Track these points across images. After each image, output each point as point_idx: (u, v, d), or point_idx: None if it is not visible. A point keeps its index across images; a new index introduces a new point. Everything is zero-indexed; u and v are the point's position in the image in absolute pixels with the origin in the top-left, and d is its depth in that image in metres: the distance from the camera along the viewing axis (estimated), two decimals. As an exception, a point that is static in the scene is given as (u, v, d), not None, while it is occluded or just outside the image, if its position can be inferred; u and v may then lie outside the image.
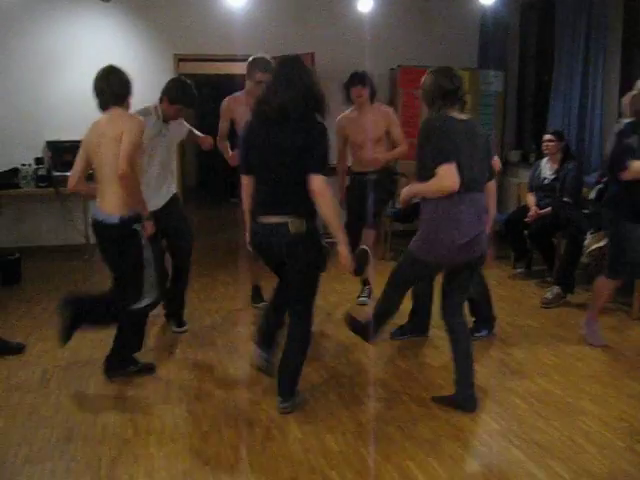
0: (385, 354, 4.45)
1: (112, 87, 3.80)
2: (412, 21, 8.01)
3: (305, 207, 3.34)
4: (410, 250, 3.66)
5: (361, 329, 4.07)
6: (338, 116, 5.41)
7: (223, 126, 5.12)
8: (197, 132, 4.90)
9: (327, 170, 3.35)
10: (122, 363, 4.06)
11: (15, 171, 6.96)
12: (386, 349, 4.52)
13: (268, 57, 4.87)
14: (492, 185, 3.78)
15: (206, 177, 12.71)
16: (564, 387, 3.94)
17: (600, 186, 5.93)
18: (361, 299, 5.53)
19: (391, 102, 7.49)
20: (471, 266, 3.65)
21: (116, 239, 3.82)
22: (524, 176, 7.03)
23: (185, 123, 4.82)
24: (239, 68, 7.08)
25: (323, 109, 3.38)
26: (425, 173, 3.44)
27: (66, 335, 3.92)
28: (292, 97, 3.27)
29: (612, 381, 4.04)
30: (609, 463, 3.11)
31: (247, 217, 3.57)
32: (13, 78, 7.10)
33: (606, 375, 4.13)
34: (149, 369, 4.14)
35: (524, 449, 3.24)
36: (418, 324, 4.72)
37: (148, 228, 3.84)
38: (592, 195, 5.98)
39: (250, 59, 4.92)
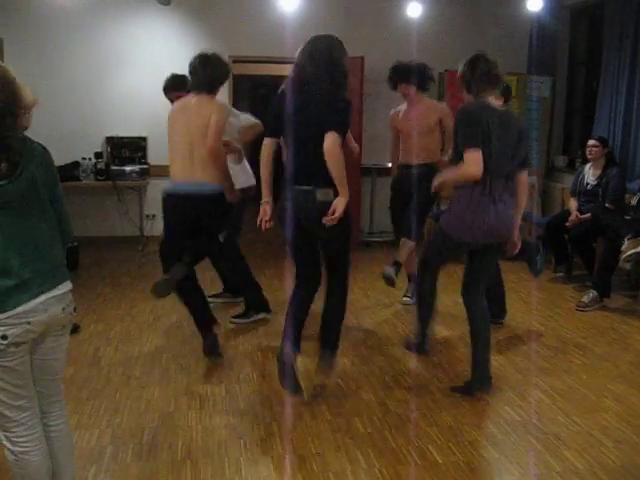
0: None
1: (206, 76, 4.12)
2: (461, 26, 8.12)
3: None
4: (442, 230, 3.83)
5: (412, 346, 4.34)
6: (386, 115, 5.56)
7: None
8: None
9: (343, 133, 3.48)
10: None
11: (76, 164, 7.34)
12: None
13: None
14: (523, 176, 3.81)
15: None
16: (589, 386, 4.05)
17: (642, 193, 5.99)
18: (405, 299, 5.69)
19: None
20: (494, 249, 3.82)
21: (214, 206, 4.16)
22: (569, 181, 7.07)
23: None
24: (289, 69, 7.33)
25: (346, 85, 3.54)
26: (457, 158, 3.61)
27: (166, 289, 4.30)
28: (321, 71, 3.43)
29: (638, 382, 4.12)
30: (624, 457, 3.23)
31: (265, 183, 3.66)
32: (76, 76, 7.48)
33: (632, 376, 4.22)
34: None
35: (542, 440, 3.38)
36: None
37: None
38: (634, 201, 6.04)
39: None
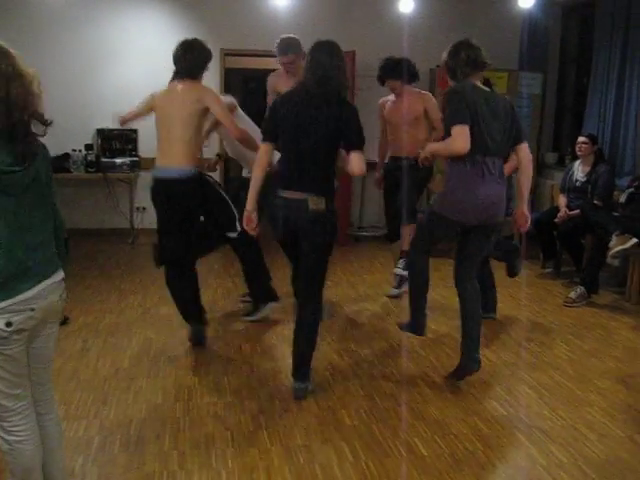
0: (407, 343, 4.64)
1: (188, 61, 4.15)
2: (452, 22, 8.11)
3: (326, 186, 3.50)
4: (433, 209, 3.87)
5: (407, 326, 4.24)
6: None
7: (270, 99, 5.17)
8: None
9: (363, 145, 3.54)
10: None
11: (66, 156, 7.32)
12: (410, 339, 4.70)
13: (291, 37, 5.00)
14: (523, 148, 3.81)
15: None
16: (575, 381, 4.09)
17: (631, 190, 6.03)
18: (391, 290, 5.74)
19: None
20: (486, 232, 3.84)
21: (192, 190, 4.18)
22: (559, 178, 7.11)
23: None
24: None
25: (346, 93, 3.60)
26: (446, 135, 3.67)
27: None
28: (326, 80, 3.44)
29: (624, 377, 4.16)
30: (608, 450, 3.27)
31: (253, 190, 3.62)
32: (67, 69, 7.46)
33: (619, 372, 4.25)
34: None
35: (527, 434, 3.41)
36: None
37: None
38: (622, 199, 6.08)
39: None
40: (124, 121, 4.55)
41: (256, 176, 3.61)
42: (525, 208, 3.89)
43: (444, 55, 3.79)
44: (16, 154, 2.12)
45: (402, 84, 5.43)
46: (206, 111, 4.16)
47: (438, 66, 7.75)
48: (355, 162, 3.47)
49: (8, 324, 2.14)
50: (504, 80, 7.92)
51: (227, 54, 7.89)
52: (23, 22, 7.23)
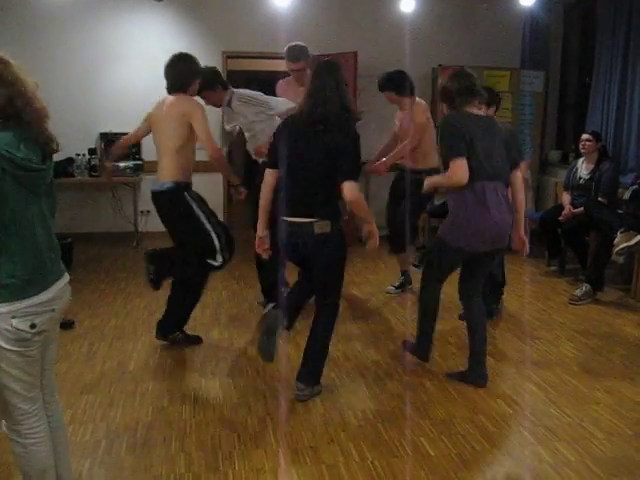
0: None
1: (174, 76, 4.18)
2: (454, 21, 8.14)
3: (331, 209, 3.50)
4: (440, 237, 3.87)
5: (412, 348, 4.25)
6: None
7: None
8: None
9: (358, 175, 3.48)
10: (171, 327, 4.45)
11: (70, 161, 7.33)
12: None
13: (301, 44, 5.06)
14: (514, 175, 3.85)
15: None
16: (581, 378, 4.08)
17: (635, 187, 6.02)
18: (389, 287, 5.80)
19: (433, 101, 7.64)
20: (492, 255, 3.87)
21: (169, 204, 4.19)
22: (562, 176, 7.10)
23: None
24: (284, 65, 7.33)
25: (354, 118, 3.58)
26: (445, 168, 3.71)
27: (155, 283, 4.38)
28: (326, 105, 3.41)
29: (630, 374, 4.15)
30: (614, 448, 3.26)
31: (262, 214, 3.66)
32: (70, 73, 7.48)
33: (624, 369, 4.25)
34: (196, 340, 4.51)
35: (534, 432, 3.41)
36: None
37: (243, 193, 4.53)
38: (627, 195, 6.08)
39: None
40: (120, 147, 4.82)
41: (263, 201, 3.64)
42: (522, 232, 3.90)
43: (442, 82, 3.86)
44: (41, 153, 2.17)
45: (396, 95, 5.40)
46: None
47: (440, 65, 7.78)
48: (346, 192, 3.39)
49: (32, 326, 2.17)
50: (506, 78, 7.93)
51: (229, 56, 7.90)
52: (25, 26, 7.25)
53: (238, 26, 7.72)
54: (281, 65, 6.96)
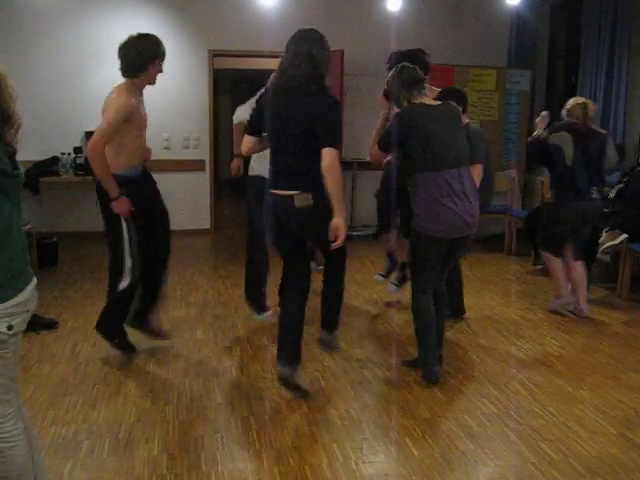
0: (398, 341, 4.64)
1: (125, 60, 3.95)
2: (441, 20, 8.14)
3: (312, 181, 3.36)
4: (414, 231, 3.83)
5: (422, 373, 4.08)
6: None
7: None
8: None
9: (339, 144, 3.40)
10: (109, 331, 4.21)
11: (55, 159, 7.29)
12: (400, 337, 4.71)
13: None
14: (475, 169, 4.02)
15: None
16: (566, 377, 4.09)
17: (620, 186, 6.05)
18: (378, 277, 5.73)
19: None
20: (462, 241, 3.89)
21: (101, 201, 3.96)
22: (548, 174, 7.12)
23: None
24: (271, 63, 7.31)
25: (324, 86, 3.43)
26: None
27: (124, 345, 4.25)
28: (302, 72, 3.35)
29: (614, 373, 4.16)
30: (598, 447, 3.26)
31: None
32: (55, 71, 7.43)
33: (609, 367, 4.26)
34: (129, 349, 4.28)
35: (518, 431, 3.40)
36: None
37: (119, 207, 3.85)
38: (612, 194, 6.10)
39: None
40: None
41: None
42: None
43: (386, 86, 3.99)
44: (12, 157, 2.18)
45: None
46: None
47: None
48: (325, 157, 3.29)
49: (9, 327, 2.15)
50: (493, 77, 7.95)
51: (216, 55, 7.87)
52: (9, 23, 7.19)
53: (224, 24, 7.69)
54: (268, 63, 6.95)
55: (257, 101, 3.65)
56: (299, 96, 3.38)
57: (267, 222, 3.62)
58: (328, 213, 3.34)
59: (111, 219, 3.93)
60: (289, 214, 3.45)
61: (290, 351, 3.61)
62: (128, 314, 4.21)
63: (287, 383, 3.65)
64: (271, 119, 3.46)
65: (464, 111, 4.72)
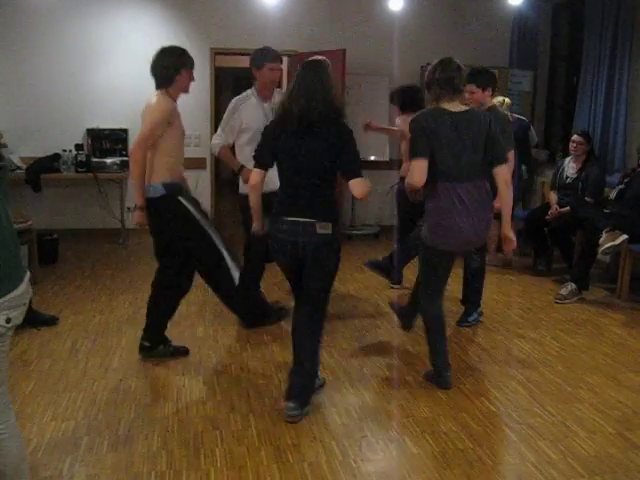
0: (397, 340, 4.64)
1: (154, 71, 3.96)
2: (443, 19, 8.14)
3: (331, 211, 3.41)
4: (424, 243, 3.81)
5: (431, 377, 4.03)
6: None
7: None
8: None
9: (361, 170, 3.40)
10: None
11: (56, 156, 7.27)
12: (399, 335, 4.71)
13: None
14: (500, 170, 3.70)
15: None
16: (565, 377, 4.09)
17: (621, 186, 6.04)
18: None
19: (421, 99, 7.64)
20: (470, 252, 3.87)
21: (160, 208, 3.93)
22: (550, 175, 7.13)
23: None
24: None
25: (343, 116, 3.42)
26: None
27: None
28: (315, 105, 3.30)
29: (614, 373, 4.17)
30: (597, 447, 3.26)
31: (256, 213, 3.61)
32: (56, 68, 7.42)
33: (609, 368, 4.26)
34: (183, 352, 4.28)
35: (517, 430, 3.41)
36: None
37: (136, 218, 3.93)
38: (613, 195, 6.09)
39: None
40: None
41: (254, 201, 3.56)
42: (508, 230, 3.80)
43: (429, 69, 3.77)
44: None
45: (399, 110, 5.63)
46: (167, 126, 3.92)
47: (428, 64, 7.74)
48: (355, 189, 3.35)
49: (8, 320, 2.16)
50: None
51: (217, 53, 7.87)
52: (12, 21, 7.18)
53: (226, 22, 7.69)
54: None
55: (263, 134, 3.54)
56: (312, 129, 3.33)
57: (279, 251, 3.51)
58: (339, 247, 3.49)
59: (182, 235, 4.04)
60: (307, 239, 3.38)
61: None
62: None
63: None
64: (287, 150, 3.40)
65: (493, 91, 4.76)
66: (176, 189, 3.99)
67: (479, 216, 3.67)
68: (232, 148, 4.90)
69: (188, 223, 4.03)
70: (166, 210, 3.96)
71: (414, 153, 3.60)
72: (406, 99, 5.64)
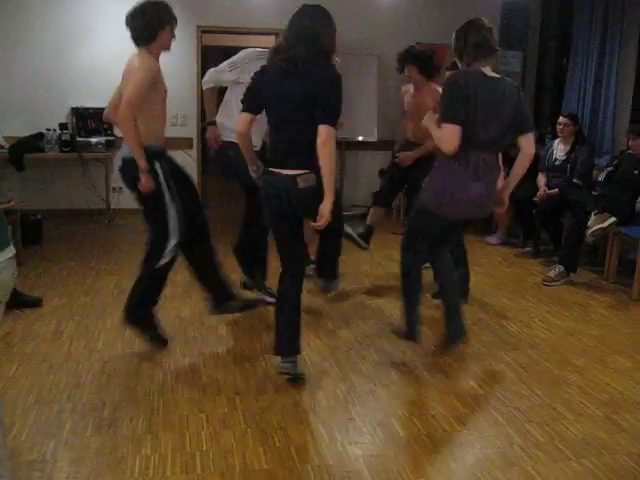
0: (385, 323, 4.61)
1: (135, 29, 3.75)
2: (433, -1, 8.07)
3: (314, 159, 3.24)
4: (423, 205, 3.70)
5: (403, 333, 4.09)
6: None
7: None
8: None
9: (336, 121, 3.24)
10: (135, 316, 4.03)
11: (40, 136, 7.17)
12: (389, 318, 4.68)
13: None
14: (527, 138, 3.56)
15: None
16: (553, 359, 4.09)
17: (610, 169, 6.03)
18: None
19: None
20: (467, 223, 3.89)
21: (133, 167, 3.71)
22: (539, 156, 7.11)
23: None
24: (259, 41, 7.23)
25: (330, 60, 3.32)
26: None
27: (155, 336, 4.07)
28: (302, 50, 3.21)
29: (601, 355, 4.17)
30: (584, 430, 3.26)
31: (249, 157, 3.57)
32: (40, 45, 7.28)
33: (596, 350, 4.26)
34: (162, 341, 4.12)
35: (504, 413, 3.40)
36: None
37: (143, 182, 3.69)
38: (601, 177, 6.08)
39: None
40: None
41: (243, 145, 3.52)
42: (506, 196, 3.76)
43: (453, 37, 3.57)
44: None
45: (419, 74, 5.19)
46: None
47: (418, 43, 7.68)
48: (320, 134, 3.18)
49: None
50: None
51: (204, 31, 7.75)
52: (-7, -3, 7.05)
53: (213, 0, 7.57)
54: (257, 41, 6.87)
55: (252, 78, 3.47)
56: (302, 71, 3.24)
57: (266, 203, 3.49)
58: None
59: (149, 194, 3.76)
60: (290, 196, 3.34)
61: (288, 334, 3.55)
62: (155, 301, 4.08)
63: (288, 375, 3.60)
64: (272, 95, 3.33)
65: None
66: (152, 152, 3.73)
67: (491, 189, 3.61)
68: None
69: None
70: (137, 170, 3.70)
71: (447, 116, 3.40)
72: (433, 65, 5.27)
